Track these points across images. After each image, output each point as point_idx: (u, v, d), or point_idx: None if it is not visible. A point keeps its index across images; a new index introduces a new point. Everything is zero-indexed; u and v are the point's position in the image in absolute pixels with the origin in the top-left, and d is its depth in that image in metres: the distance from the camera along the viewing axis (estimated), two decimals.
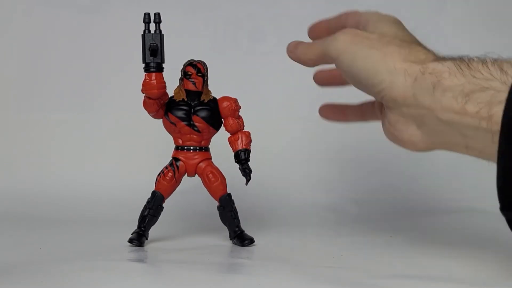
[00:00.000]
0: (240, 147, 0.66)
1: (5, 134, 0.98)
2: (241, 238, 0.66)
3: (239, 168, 0.66)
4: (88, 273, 0.53)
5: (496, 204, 0.88)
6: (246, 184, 0.66)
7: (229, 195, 0.67)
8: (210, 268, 0.57)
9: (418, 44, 0.54)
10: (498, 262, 0.59)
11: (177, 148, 0.67)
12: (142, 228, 0.66)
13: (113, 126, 0.98)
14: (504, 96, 0.45)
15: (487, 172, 0.89)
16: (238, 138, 0.67)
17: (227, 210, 0.67)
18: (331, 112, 0.66)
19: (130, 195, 0.83)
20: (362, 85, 0.54)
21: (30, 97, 1.00)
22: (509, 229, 0.77)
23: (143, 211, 0.66)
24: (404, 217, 0.84)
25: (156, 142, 0.78)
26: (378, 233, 0.73)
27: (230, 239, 0.67)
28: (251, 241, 0.66)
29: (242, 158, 0.66)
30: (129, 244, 0.65)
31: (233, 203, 0.67)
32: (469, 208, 0.88)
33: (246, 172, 0.66)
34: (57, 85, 1.00)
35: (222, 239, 0.68)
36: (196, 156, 0.67)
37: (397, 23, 0.56)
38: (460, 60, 0.49)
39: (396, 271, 0.55)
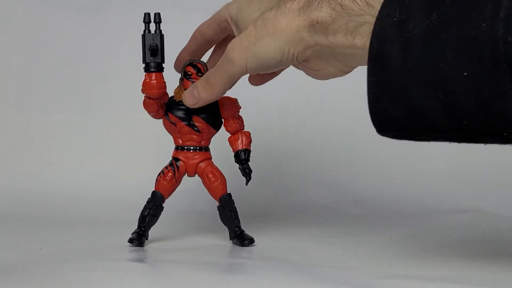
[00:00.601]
0: (240, 147, 0.66)
1: (5, 134, 0.98)
2: (241, 238, 0.66)
3: (239, 168, 0.66)
4: (88, 273, 0.53)
5: (496, 204, 0.89)
6: (246, 184, 0.66)
7: (229, 195, 0.67)
8: (210, 268, 0.57)
9: (282, 1, 0.58)
10: (498, 262, 0.59)
11: (177, 148, 0.67)
12: (142, 228, 0.66)
13: (113, 126, 0.98)
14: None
15: (487, 172, 0.89)
16: (238, 138, 0.66)
17: (227, 210, 0.67)
18: (260, 77, 0.67)
19: (130, 195, 0.83)
20: (278, 67, 0.58)
21: (30, 97, 1.00)
22: (509, 229, 0.77)
23: (143, 211, 0.66)
24: (404, 217, 0.84)
25: (156, 142, 0.78)
26: (378, 233, 0.73)
27: (230, 239, 0.67)
28: (251, 241, 0.66)
29: (242, 158, 0.66)
30: (129, 244, 0.64)
31: (233, 203, 0.67)
32: (469, 208, 0.88)
33: (246, 172, 0.66)
34: (57, 85, 1.00)
35: (222, 239, 0.68)
36: (196, 156, 0.67)
37: None
38: (334, 1, 0.53)
39: (396, 271, 0.55)
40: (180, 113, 0.65)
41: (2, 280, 0.50)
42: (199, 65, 0.65)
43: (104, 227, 0.76)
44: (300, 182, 0.94)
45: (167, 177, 0.66)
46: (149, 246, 0.66)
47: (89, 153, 0.97)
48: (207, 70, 0.65)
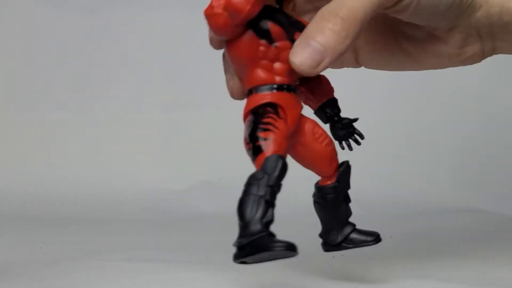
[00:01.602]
0: (324, 99, 0.44)
1: (5, 134, 0.98)
2: (363, 233, 0.47)
3: (335, 129, 0.45)
4: (88, 273, 0.53)
5: (496, 204, 0.88)
6: (355, 146, 0.47)
7: (348, 162, 0.45)
8: (210, 268, 0.57)
9: None
10: (498, 262, 0.59)
11: (270, 88, 0.39)
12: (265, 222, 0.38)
13: (114, 126, 0.98)
14: None
15: (487, 172, 0.89)
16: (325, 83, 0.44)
17: (341, 189, 0.44)
18: None
19: (131, 195, 0.83)
20: (444, 15, 0.45)
21: (30, 97, 1.00)
22: (509, 229, 0.77)
23: (252, 196, 0.38)
24: (404, 217, 0.84)
25: (157, 142, 0.78)
26: None
27: (334, 243, 0.46)
28: (377, 238, 0.47)
29: (334, 113, 0.45)
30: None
31: None
32: (469, 208, 0.88)
33: (351, 131, 0.44)
34: (57, 84, 1.00)
35: (222, 238, 0.68)
36: (298, 102, 0.41)
37: None
38: None
39: (396, 271, 0.55)
40: (285, 23, 0.40)
41: (2, 280, 0.50)
42: None
43: (104, 227, 0.76)
44: (300, 182, 0.94)
45: (280, 129, 0.39)
46: (148, 246, 0.65)
47: (89, 153, 0.97)
48: None
